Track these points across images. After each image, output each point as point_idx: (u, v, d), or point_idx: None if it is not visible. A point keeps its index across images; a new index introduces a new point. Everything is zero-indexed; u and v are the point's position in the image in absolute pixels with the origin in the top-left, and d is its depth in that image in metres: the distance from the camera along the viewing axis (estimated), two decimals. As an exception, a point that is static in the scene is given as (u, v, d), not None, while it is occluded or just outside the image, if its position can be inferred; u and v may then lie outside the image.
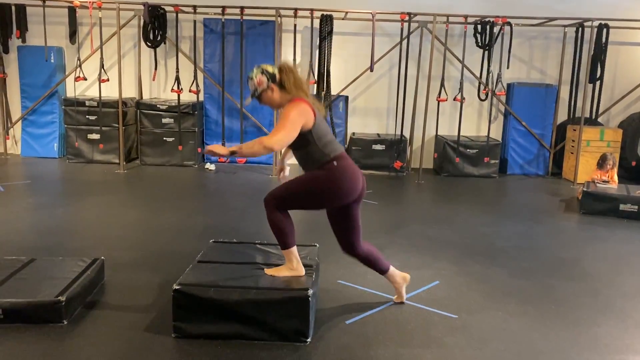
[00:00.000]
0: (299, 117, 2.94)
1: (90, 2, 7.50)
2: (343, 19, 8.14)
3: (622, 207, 6.04)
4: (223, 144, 8.20)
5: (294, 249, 3.18)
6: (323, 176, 3.05)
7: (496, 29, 7.89)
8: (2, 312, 3.02)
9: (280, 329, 2.96)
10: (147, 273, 3.92)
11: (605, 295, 3.84)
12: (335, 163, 3.04)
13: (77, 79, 7.91)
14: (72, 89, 8.34)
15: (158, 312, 3.28)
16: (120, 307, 3.37)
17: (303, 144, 3.03)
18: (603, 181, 6.63)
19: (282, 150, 3.29)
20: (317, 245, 3.78)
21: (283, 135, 2.90)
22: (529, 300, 3.70)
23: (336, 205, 3.15)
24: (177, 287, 2.96)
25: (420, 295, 3.70)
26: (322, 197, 3.09)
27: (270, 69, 3.07)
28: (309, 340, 2.99)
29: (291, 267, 3.19)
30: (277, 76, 3.06)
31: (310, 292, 2.97)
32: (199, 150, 8.33)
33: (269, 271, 3.22)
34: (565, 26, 8.29)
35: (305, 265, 3.27)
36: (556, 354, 3.00)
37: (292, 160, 3.31)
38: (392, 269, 3.45)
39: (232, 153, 2.92)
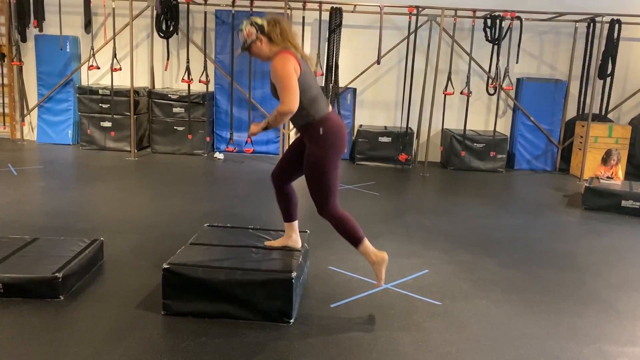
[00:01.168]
0: (290, 68, 3.03)
1: (104, -8, 7.68)
2: (352, 12, 8.19)
3: (624, 203, 6.03)
4: (231, 134, 8.35)
5: (366, 242, 3.25)
6: (319, 152, 3.14)
7: (505, 24, 7.87)
8: (3, 286, 3.19)
9: (264, 309, 3.08)
10: (145, 254, 4.07)
11: (590, 286, 3.89)
12: (321, 131, 3.13)
13: (90, 67, 8.12)
14: (86, 78, 8.56)
15: (150, 290, 3.42)
16: (115, 286, 3.52)
17: None
18: (607, 177, 6.61)
19: None
20: (308, 231, 3.89)
21: (291, 95, 3.00)
22: (514, 290, 3.76)
23: (338, 159, 3.24)
24: (166, 266, 3.09)
25: (407, 283, 3.78)
26: (332, 164, 3.16)
27: (259, 21, 3.17)
28: (292, 321, 3.10)
29: (374, 260, 3.28)
30: (266, 28, 3.15)
31: (294, 274, 3.08)
32: (208, 139, 8.49)
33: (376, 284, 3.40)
34: (576, 21, 8.23)
35: (292, 250, 3.39)
36: (533, 340, 3.07)
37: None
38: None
39: (265, 128, 3.14)
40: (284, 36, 3.14)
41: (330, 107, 3.28)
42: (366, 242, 3.27)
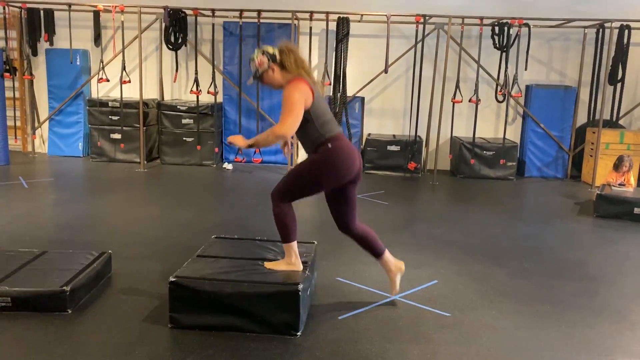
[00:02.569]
0: (300, 97, 3.03)
1: (113, 6, 7.77)
2: (359, 22, 8.20)
3: (636, 210, 5.95)
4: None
5: (294, 244, 3.30)
6: (319, 160, 3.14)
7: (513, 31, 7.84)
8: (11, 300, 3.20)
9: (271, 322, 3.06)
10: (154, 267, 4.07)
11: (603, 297, 3.83)
12: (329, 145, 3.12)
13: (100, 80, 8.19)
14: (96, 90, 8.64)
15: (158, 303, 3.41)
16: (123, 298, 3.52)
17: (302, 122, 3.09)
18: (619, 184, 6.54)
19: None
20: (316, 242, 3.87)
21: (292, 120, 3.00)
22: (525, 300, 3.71)
23: (334, 186, 3.23)
24: (173, 280, 3.09)
25: (416, 294, 3.74)
26: (320, 181, 3.17)
27: (270, 49, 3.18)
28: (299, 333, 3.08)
29: (289, 261, 3.30)
30: (278, 57, 3.16)
31: (300, 286, 3.06)
32: (216, 150, 8.51)
33: (268, 265, 3.34)
34: (585, 27, 8.18)
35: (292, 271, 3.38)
36: (544, 352, 3.02)
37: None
38: (387, 254, 3.47)
39: (250, 146, 3.10)
40: (298, 64, 3.15)
41: (340, 129, 3.27)
42: (292, 245, 3.27)
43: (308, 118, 3.10)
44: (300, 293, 3.04)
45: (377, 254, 3.47)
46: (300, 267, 3.30)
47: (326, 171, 3.14)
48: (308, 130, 3.13)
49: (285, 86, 3.12)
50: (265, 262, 3.37)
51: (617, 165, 6.63)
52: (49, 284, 3.29)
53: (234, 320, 3.07)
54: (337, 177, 3.17)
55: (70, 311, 3.25)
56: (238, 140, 3.11)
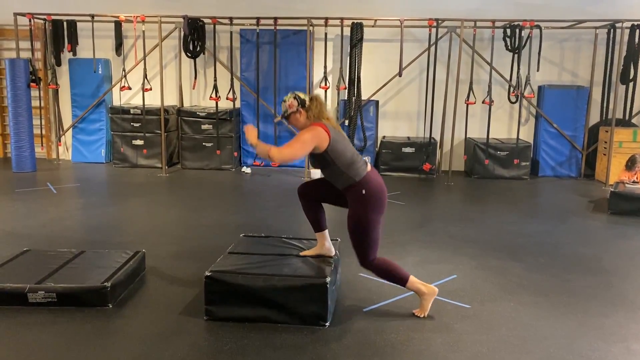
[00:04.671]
0: (310, 139, 3.24)
1: (134, 16, 8.04)
2: (373, 27, 8.39)
3: (650, 206, 6.06)
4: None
5: (412, 278, 3.42)
6: (362, 208, 3.30)
7: (525, 33, 7.98)
8: (56, 295, 3.41)
9: (301, 313, 3.24)
10: (184, 264, 4.27)
11: (618, 288, 3.96)
12: (364, 192, 3.29)
13: (122, 88, 8.46)
14: (118, 98, 8.92)
15: (192, 298, 3.61)
16: (158, 294, 3.72)
17: (325, 164, 3.33)
18: (632, 182, 6.64)
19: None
20: (339, 239, 4.04)
21: (289, 152, 3.23)
22: (542, 292, 3.85)
23: (382, 213, 3.38)
24: (208, 274, 3.28)
25: (436, 287, 3.89)
26: (375, 221, 3.32)
27: (302, 96, 3.41)
28: (327, 324, 3.25)
29: (424, 291, 3.43)
30: (307, 103, 3.38)
31: (328, 279, 3.24)
32: (235, 154, 8.73)
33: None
34: (596, 28, 8.30)
35: (325, 257, 3.56)
36: (561, 339, 3.17)
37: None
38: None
39: (253, 145, 3.34)
40: (321, 115, 3.36)
41: (369, 167, 3.42)
42: (412, 279, 3.42)
43: (328, 159, 3.29)
44: (328, 285, 3.22)
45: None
46: (435, 292, 3.45)
47: (373, 214, 3.30)
48: (334, 171, 3.33)
49: (307, 128, 3.35)
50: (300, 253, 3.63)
51: (630, 166, 6.72)
52: (90, 280, 3.50)
53: (266, 311, 3.25)
54: (380, 212, 3.35)
55: (111, 306, 3.46)
56: (250, 133, 3.36)
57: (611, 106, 8.11)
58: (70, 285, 3.44)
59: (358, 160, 3.38)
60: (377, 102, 8.82)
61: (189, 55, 8.56)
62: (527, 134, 8.88)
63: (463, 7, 8.34)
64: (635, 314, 3.52)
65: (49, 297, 3.41)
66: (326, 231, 3.66)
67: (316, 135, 3.25)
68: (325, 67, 8.30)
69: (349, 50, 8.17)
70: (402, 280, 3.41)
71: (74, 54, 8.83)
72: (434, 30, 8.02)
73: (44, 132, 9.17)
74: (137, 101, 8.92)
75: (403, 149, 8.44)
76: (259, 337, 3.12)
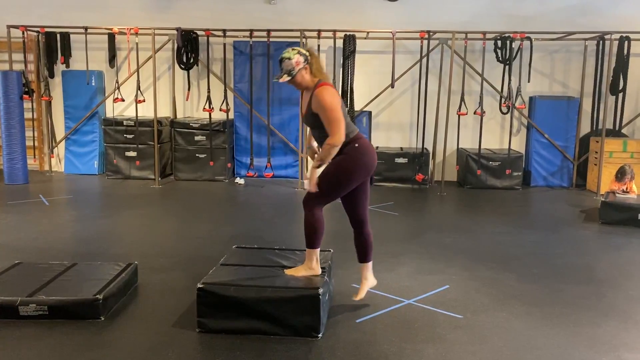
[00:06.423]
0: (339, 103, 3.28)
1: (127, 28, 8.07)
2: (365, 38, 8.46)
3: (640, 216, 6.11)
4: (251, 160, 8.59)
5: (318, 250, 3.50)
6: (348, 159, 3.33)
7: (516, 44, 8.07)
8: (48, 308, 3.39)
9: (294, 325, 3.24)
10: (177, 276, 4.26)
11: (610, 298, 3.98)
12: (356, 145, 3.35)
13: (115, 100, 8.46)
14: (111, 110, 8.92)
15: (185, 310, 3.60)
16: (151, 306, 3.71)
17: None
18: (622, 191, 6.69)
19: (307, 135, 3.66)
20: (332, 250, 4.05)
21: (341, 127, 3.23)
22: (534, 303, 3.87)
23: (362, 180, 3.42)
24: (200, 286, 3.28)
25: (429, 298, 3.91)
26: (352, 178, 3.36)
27: (304, 50, 3.37)
28: (320, 335, 3.25)
29: (310, 266, 3.49)
30: (309, 59, 3.35)
31: (321, 290, 3.25)
32: (229, 165, 8.74)
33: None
34: (586, 39, 8.40)
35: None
36: (553, 349, 3.18)
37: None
38: (370, 265, 3.67)
39: (319, 166, 3.34)
40: (319, 68, 3.39)
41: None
42: (317, 251, 3.48)
43: None
44: (320, 297, 3.22)
45: (365, 259, 3.65)
46: (319, 271, 3.49)
47: (357, 168, 3.35)
48: None
49: (315, 89, 3.31)
50: (285, 270, 3.55)
51: (620, 178, 6.76)
52: (82, 293, 3.49)
53: (258, 323, 3.25)
54: (366, 172, 3.40)
55: (103, 318, 3.44)
56: (312, 176, 3.34)
57: (601, 117, 8.19)
58: (62, 298, 3.43)
59: (351, 122, 3.43)
60: (370, 113, 8.86)
61: (183, 67, 8.59)
62: (518, 145, 8.95)
63: (454, 20, 8.42)
64: (627, 324, 3.54)
65: (41, 310, 3.39)
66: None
67: (334, 93, 3.28)
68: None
69: (341, 62, 8.23)
70: (311, 244, 3.45)
71: (67, 66, 8.82)
72: (425, 42, 8.10)
73: (36, 144, 9.13)
74: (130, 113, 8.92)
75: (396, 159, 8.47)
76: (251, 349, 3.11)
